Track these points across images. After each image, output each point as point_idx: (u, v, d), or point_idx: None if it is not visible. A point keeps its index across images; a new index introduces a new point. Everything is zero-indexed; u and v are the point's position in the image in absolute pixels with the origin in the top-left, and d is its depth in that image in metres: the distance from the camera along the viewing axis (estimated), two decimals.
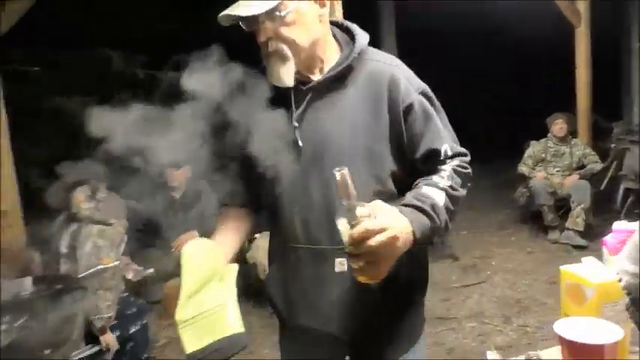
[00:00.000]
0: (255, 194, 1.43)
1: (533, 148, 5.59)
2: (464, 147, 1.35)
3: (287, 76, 1.26)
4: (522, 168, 5.55)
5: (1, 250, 3.72)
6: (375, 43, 1.36)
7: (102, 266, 1.77)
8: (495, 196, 6.73)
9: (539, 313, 3.72)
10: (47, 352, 1.23)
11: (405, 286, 1.34)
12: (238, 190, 1.47)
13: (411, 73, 1.34)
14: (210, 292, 1.19)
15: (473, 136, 7.15)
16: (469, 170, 1.31)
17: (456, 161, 1.28)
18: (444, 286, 4.36)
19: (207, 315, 1.17)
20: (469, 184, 1.31)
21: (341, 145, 1.27)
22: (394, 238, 1.04)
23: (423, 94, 1.32)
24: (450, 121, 1.36)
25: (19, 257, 3.82)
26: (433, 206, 1.16)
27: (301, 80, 1.30)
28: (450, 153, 1.28)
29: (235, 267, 1.27)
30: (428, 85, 1.36)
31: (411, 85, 1.30)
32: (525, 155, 5.60)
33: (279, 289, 1.43)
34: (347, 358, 1.44)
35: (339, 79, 1.30)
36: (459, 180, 1.26)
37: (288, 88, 1.28)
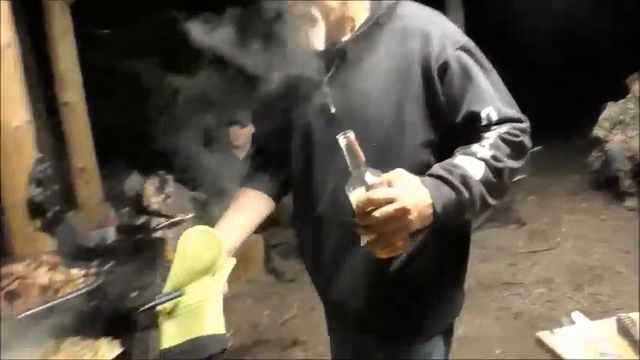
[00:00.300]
0: (279, 173, 1.39)
1: (611, 110, 5.26)
2: (530, 109, 1.20)
3: (317, 39, 1.20)
4: (598, 131, 5.24)
5: (80, 205, 3.94)
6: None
7: (178, 217, 1.83)
8: (566, 160, 6.42)
9: (614, 282, 3.56)
10: (133, 294, 1.27)
11: (437, 269, 1.25)
12: (258, 170, 1.44)
13: (450, 27, 1.21)
14: (199, 285, 1.10)
15: (541, 96, 6.90)
16: (522, 138, 1.13)
17: (504, 127, 1.11)
18: (510, 252, 4.25)
19: (188, 309, 1.07)
20: (523, 155, 1.13)
21: (371, 111, 1.19)
22: (404, 211, 0.94)
23: (464, 49, 1.17)
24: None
25: (96, 212, 4.05)
26: (463, 178, 1.03)
27: (332, 43, 1.23)
28: (494, 118, 1.12)
29: (232, 262, 1.17)
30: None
31: (447, 39, 1.17)
32: (601, 118, 5.27)
33: (310, 260, 1.40)
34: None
35: (368, 38, 1.21)
36: (506, 149, 1.09)
37: (319, 52, 1.21)
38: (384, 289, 1.24)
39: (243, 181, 1.44)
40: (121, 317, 1.14)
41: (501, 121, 1.12)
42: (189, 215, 1.86)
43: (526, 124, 1.16)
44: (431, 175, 1.04)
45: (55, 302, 1.20)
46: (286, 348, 3.22)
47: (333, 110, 1.22)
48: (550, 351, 1.48)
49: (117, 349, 1.08)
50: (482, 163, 1.06)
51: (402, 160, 1.13)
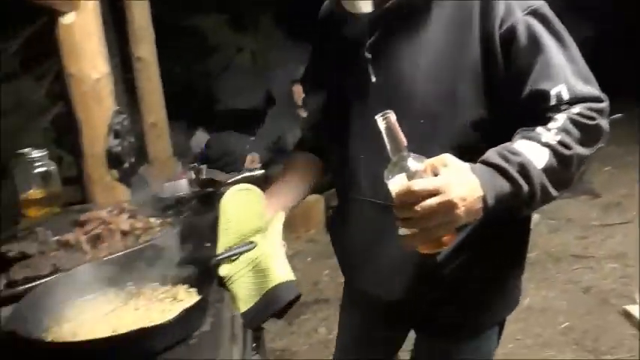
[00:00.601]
0: (325, 137, 1.29)
1: None
2: (607, 75, 1.05)
3: (364, 1, 1.08)
4: None
5: (151, 160, 4.08)
6: None
7: (248, 173, 1.85)
8: None
9: None
10: (207, 244, 1.30)
11: (489, 260, 1.14)
12: (309, 132, 1.37)
13: None
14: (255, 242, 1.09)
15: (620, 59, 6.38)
16: (598, 121, 0.95)
17: (577, 108, 0.95)
18: (581, 224, 4.06)
19: (253, 266, 1.06)
20: (597, 141, 0.97)
21: (417, 84, 1.06)
22: (449, 205, 0.81)
23: (535, 13, 0.99)
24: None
25: (166, 166, 4.19)
26: (522, 167, 0.88)
27: (379, 5, 1.09)
28: (566, 97, 0.95)
29: (281, 215, 1.14)
30: None
31: (514, 1, 1.00)
32: None
33: (340, 246, 1.33)
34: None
35: (419, 1, 1.06)
36: (576, 134, 0.93)
37: (364, 14, 1.09)
38: (426, 282, 1.14)
39: (297, 144, 1.42)
40: (197, 266, 1.16)
41: (574, 101, 0.96)
42: (259, 171, 1.87)
43: (604, 104, 0.98)
44: (484, 163, 0.90)
45: (137, 247, 1.24)
46: None
47: (373, 79, 1.11)
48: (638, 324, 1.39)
49: (195, 296, 1.10)
50: (547, 150, 0.91)
51: (450, 142, 1.02)
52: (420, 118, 1.05)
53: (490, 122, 1.04)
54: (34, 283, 1.17)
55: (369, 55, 1.11)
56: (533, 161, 0.89)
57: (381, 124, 0.89)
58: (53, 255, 1.27)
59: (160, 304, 1.07)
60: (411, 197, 0.81)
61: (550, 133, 0.93)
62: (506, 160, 0.89)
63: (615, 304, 3.01)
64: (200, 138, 6.29)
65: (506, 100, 1.01)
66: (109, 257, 1.23)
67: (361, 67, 1.12)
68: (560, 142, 0.92)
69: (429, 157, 0.88)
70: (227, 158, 4.02)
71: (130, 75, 3.97)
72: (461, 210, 0.82)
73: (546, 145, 0.91)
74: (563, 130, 0.93)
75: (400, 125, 0.88)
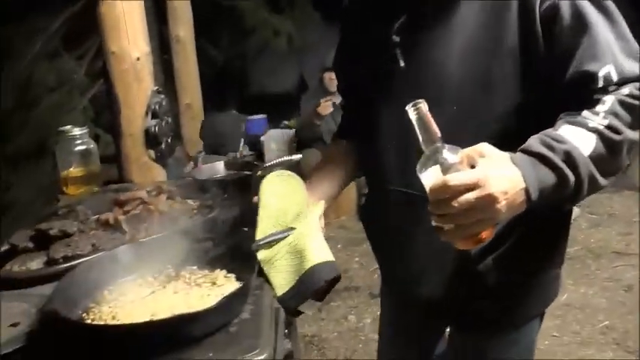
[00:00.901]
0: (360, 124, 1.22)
1: None
2: None
3: None
4: None
5: (185, 141, 4.10)
6: None
7: (287, 157, 1.81)
8: None
9: None
10: (245, 229, 1.27)
11: (524, 252, 1.07)
12: (346, 120, 1.33)
13: None
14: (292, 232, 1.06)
15: None
16: None
17: (627, 89, 0.87)
18: (624, 220, 3.93)
19: (289, 250, 1.04)
20: None
21: (450, 67, 0.99)
22: (489, 199, 0.75)
23: None
24: None
25: (200, 146, 4.20)
26: (568, 156, 0.81)
27: None
28: (615, 78, 0.88)
29: (321, 204, 1.10)
30: None
31: None
32: None
33: (373, 236, 1.28)
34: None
35: None
36: (626, 117, 0.86)
37: None
38: (462, 275, 1.08)
39: (336, 132, 1.37)
40: (236, 251, 1.13)
41: (623, 82, 0.88)
42: (297, 156, 1.83)
43: None
44: (525, 152, 0.83)
45: (177, 230, 1.22)
46: (375, 296, 3.20)
47: (402, 64, 1.04)
48: None
49: (234, 282, 1.08)
50: (594, 135, 0.84)
51: (486, 130, 0.95)
52: (453, 105, 0.99)
53: (530, 108, 0.96)
54: (74, 262, 1.17)
55: (396, 39, 1.04)
56: (579, 149, 0.82)
57: (412, 114, 0.83)
58: (93, 234, 1.26)
59: (198, 289, 1.05)
60: (448, 192, 0.76)
61: (597, 116, 0.85)
62: (551, 148, 0.82)
63: None
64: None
65: (547, 83, 0.94)
66: (149, 239, 1.21)
67: (389, 51, 1.06)
68: (609, 127, 0.84)
69: (463, 147, 0.82)
70: (220, 139, 3.95)
71: (167, 56, 3.99)
72: (502, 204, 0.76)
73: (593, 130, 0.84)
74: (611, 113, 0.85)
75: (431, 114, 0.83)
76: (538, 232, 1.06)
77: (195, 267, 1.15)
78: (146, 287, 1.07)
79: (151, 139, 2.19)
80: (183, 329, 0.86)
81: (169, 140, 2.31)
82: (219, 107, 4.98)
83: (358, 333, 2.82)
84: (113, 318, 0.95)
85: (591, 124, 0.85)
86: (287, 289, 1.02)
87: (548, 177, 0.81)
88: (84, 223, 1.31)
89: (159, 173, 2.31)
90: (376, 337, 2.81)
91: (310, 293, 1.00)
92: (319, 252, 1.02)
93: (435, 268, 1.11)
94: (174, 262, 1.15)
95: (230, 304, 0.93)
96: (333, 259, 1.03)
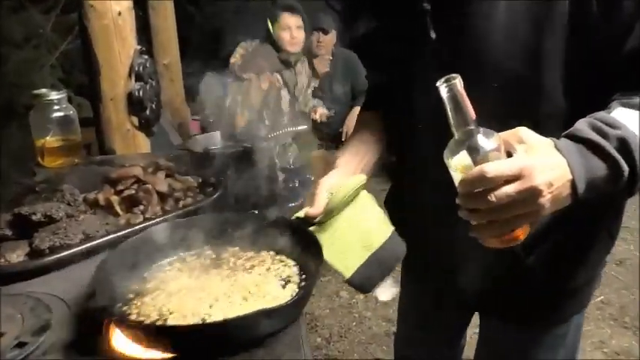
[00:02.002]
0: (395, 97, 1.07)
1: None
2: None
3: None
4: None
5: (164, 104, 3.84)
6: None
7: (292, 128, 1.67)
8: None
9: None
10: (255, 211, 1.12)
11: (571, 250, 0.97)
12: (374, 92, 1.18)
13: None
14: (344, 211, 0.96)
15: None
16: None
17: None
18: None
19: (349, 225, 0.95)
20: None
21: (490, 38, 0.85)
22: (533, 193, 0.66)
23: None
24: None
25: (179, 112, 3.96)
26: (623, 142, 0.70)
27: None
28: None
29: (362, 177, 0.99)
30: None
31: None
32: None
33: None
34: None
35: None
36: None
37: None
38: (506, 269, 0.97)
39: (364, 104, 1.20)
40: (278, 227, 1.00)
41: None
42: (302, 126, 1.69)
43: None
44: (573, 137, 0.72)
45: (191, 209, 1.07)
46: None
47: (433, 36, 0.90)
48: None
49: (290, 264, 0.96)
50: None
51: (531, 110, 0.84)
52: (493, 82, 0.85)
53: (582, 86, 0.83)
54: (63, 253, 0.99)
55: (427, 7, 0.90)
56: (636, 134, 0.71)
57: (444, 91, 0.72)
58: (83, 219, 1.08)
59: (248, 275, 0.92)
60: (484, 184, 0.66)
61: None
62: (602, 133, 0.71)
63: None
64: (209, 83, 6.03)
65: (601, 59, 0.81)
66: (187, 219, 1.06)
67: (419, 21, 0.91)
68: None
69: (503, 130, 0.71)
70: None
71: (143, 13, 3.69)
72: (545, 199, 0.67)
73: None
74: None
75: (466, 92, 0.71)
76: (590, 226, 0.96)
77: (237, 248, 1.00)
78: (187, 272, 0.94)
79: (135, 104, 1.98)
80: (259, 326, 0.75)
81: (154, 106, 2.10)
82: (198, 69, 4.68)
83: (352, 310, 2.72)
84: (160, 311, 0.81)
85: None
86: (356, 268, 0.91)
87: (599, 167, 0.70)
88: (71, 206, 1.12)
89: (143, 142, 2.11)
90: (369, 314, 2.75)
91: (389, 269, 0.92)
92: (384, 225, 0.96)
93: (476, 258, 0.97)
94: (213, 243, 1.02)
95: (305, 295, 0.83)
96: (393, 229, 0.96)
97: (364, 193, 1.00)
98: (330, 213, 0.93)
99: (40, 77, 3.25)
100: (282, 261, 0.96)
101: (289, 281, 0.90)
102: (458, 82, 0.71)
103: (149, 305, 0.83)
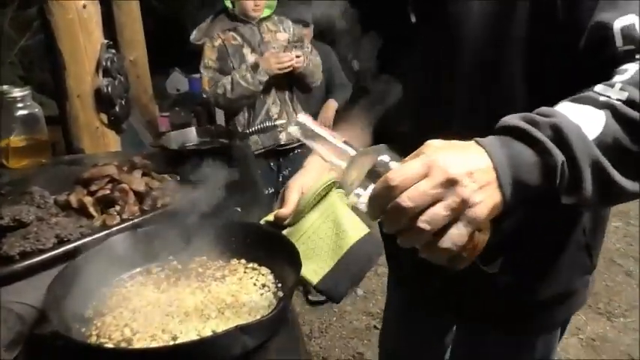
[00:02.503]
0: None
1: None
2: None
3: None
4: None
5: (133, 100, 3.73)
6: None
7: (272, 122, 1.61)
8: None
9: None
10: (238, 209, 1.08)
11: (555, 251, 0.94)
12: (359, 87, 1.12)
13: None
14: (316, 209, 0.91)
15: None
16: None
17: None
18: None
19: (314, 230, 0.89)
20: None
21: (466, 28, 0.83)
22: (449, 183, 0.56)
23: None
24: None
25: (147, 109, 3.86)
26: (556, 130, 0.59)
27: None
28: (638, 34, 0.67)
29: (332, 176, 0.93)
30: None
31: None
32: None
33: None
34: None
35: None
36: None
37: None
38: (474, 275, 0.85)
39: (349, 99, 1.16)
40: (247, 234, 0.95)
41: None
42: (280, 121, 1.64)
43: None
44: (497, 130, 0.63)
45: (171, 212, 1.01)
46: None
47: (413, 20, 0.87)
48: None
49: (265, 272, 0.91)
50: (604, 113, 0.61)
51: (504, 98, 0.81)
52: (468, 69, 0.83)
53: (549, 80, 0.78)
54: (35, 259, 0.93)
55: None
56: (579, 126, 0.60)
57: (296, 132, 0.67)
58: (55, 222, 1.02)
59: (222, 286, 0.86)
60: (392, 194, 0.56)
61: (612, 89, 0.63)
62: (532, 122, 0.61)
63: (622, 264, 2.95)
64: (176, 79, 5.89)
65: (565, 48, 0.74)
66: (144, 228, 0.99)
67: (399, 6, 0.89)
68: (628, 102, 0.61)
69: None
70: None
71: (106, 8, 3.57)
72: (469, 189, 0.56)
73: (604, 105, 0.62)
74: (633, 83, 0.62)
75: (445, 78, 0.67)
76: (557, 239, 0.93)
77: (204, 257, 0.95)
78: (151, 285, 0.87)
79: (104, 101, 1.90)
80: (238, 342, 0.67)
81: (124, 102, 2.02)
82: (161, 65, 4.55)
83: (331, 305, 2.70)
84: (122, 331, 0.74)
85: (602, 99, 0.62)
86: (322, 275, 0.86)
87: (525, 154, 0.59)
88: (42, 209, 1.06)
89: (113, 140, 2.03)
90: (349, 308, 2.73)
91: (358, 276, 0.88)
92: (357, 226, 0.89)
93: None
94: (176, 253, 0.95)
95: (286, 305, 0.76)
96: (369, 230, 0.89)
97: (336, 192, 0.93)
98: (299, 214, 0.89)
99: None
100: (255, 269, 0.91)
101: (265, 289, 0.85)
102: (305, 119, 0.67)
103: (110, 325, 0.76)
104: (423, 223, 0.56)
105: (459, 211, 0.56)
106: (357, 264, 0.86)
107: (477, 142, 0.61)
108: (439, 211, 0.56)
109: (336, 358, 2.22)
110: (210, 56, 2.50)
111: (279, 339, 0.75)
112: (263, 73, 2.37)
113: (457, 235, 0.57)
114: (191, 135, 1.65)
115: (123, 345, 0.72)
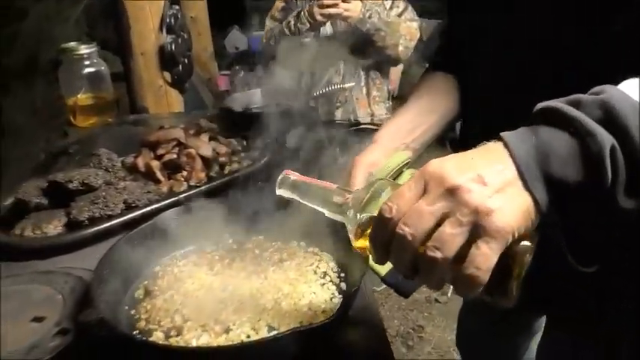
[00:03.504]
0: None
1: None
2: None
3: None
4: None
5: (194, 57, 3.71)
6: None
7: (337, 86, 1.53)
8: None
9: None
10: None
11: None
12: (443, 51, 0.98)
13: None
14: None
15: None
16: None
17: None
18: None
19: None
20: None
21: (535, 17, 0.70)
22: (452, 192, 0.45)
23: None
24: None
25: (206, 68, 3.83)
26: (606, 108, 0.45)
27: None
28: None
29: (406, 155, 0.82)
30: None
31: None
32: None
33: None
34: None
35: None
36: None
37: None
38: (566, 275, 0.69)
39: (430, 64, 1.03)
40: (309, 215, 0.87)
41: None
42: (349, 84, 1.55)
43: None
44: (532, 116, 0.49)
45: (238, 175, 0.95)
46: None
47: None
48: None
49: (326, 259, 0.83)
50: None
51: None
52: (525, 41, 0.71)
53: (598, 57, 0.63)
54: (104, 225, 0.90)
55: None
56: (631, 98, 0.46)
57: (282, 193, 0.63)
58: (123, 186, 0.98)
59: (280, 272, 0.79)
60: (393, 221, 0.46)
61: None
62: (572, 101, 0.47)
63: None
64: (235, 37, 5.84)
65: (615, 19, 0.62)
66: (207, 190, 0.95)
67: None
68: None
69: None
70: None
71: None
72: (480, 195, 0.44)
73: None
74: None
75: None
76: None
77: (261, 237, 0.88)
78: (205, 266, 0.81)
79: (167, 59, 1.86)
80: (296, 345, 0.60)
81: (187, 60, 1.98)
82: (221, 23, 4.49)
83: None
84: (172, 316, 0.70)
85: None
86: (391, 266, 0.77)
87: (558, 140, 0.46)
88: (109, 172, 1.03)
89: (176, 100, 2.01)
90: None
91: None
92: None
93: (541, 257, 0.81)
94: (233, 231, 0.89)
95: (350, 302, 0.68)
96: None
97: (409, 173, 0.82)
98: None
99: (64, 32, 3.14)
100: (315, 254, 0.84)
101: (327, 279, 0.78)
102: (290, 175, 0.62)
103: (160, 309, 0.71)
104: (431, 250, 0.44)
105: (474, 225, 0.44)
106: None
107: (498, 137, 0.48)
108: (446, 229, 0.44)
109: (396, 330, 2.17)
110: (277, 6, 2.33)
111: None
112: (304, 20, 2.10)
113: (480, 255, 0.43)
114: (255, 97, 1.58)
115: (172, 333, 0.67)
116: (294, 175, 0.62)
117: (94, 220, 0.91)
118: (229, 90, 3.45)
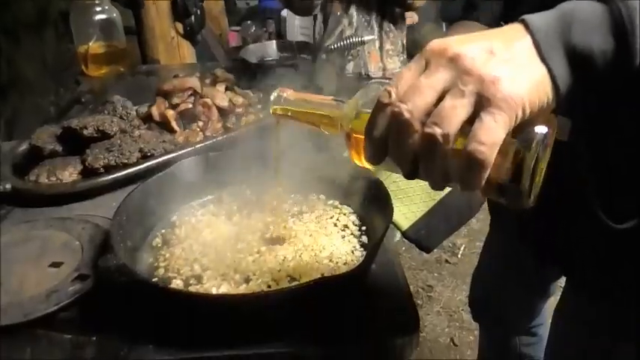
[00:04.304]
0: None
1: None
2: None
3: None
4: None
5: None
6: None
7: (355, 39, 1.48)
8: None
9: None
10: None
11: None
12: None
13: None
14: None
15: None
16: None
17: None
18: None
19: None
20: None
21: None
22: (455, 62, 0.40)
23: None
24: None
25: (216, 23, 3.75)
26: None
27: None
28: None
29: None
30: None
31: None
32: None
33: None
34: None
35: None
36: None
37: None
38: (596, 234, 0.69)
39: (463, 11, 0.98)
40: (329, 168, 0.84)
41: None
42: (369, 37, 1.49)
43: None
44: None
45: (254, 127, 0.92)
46: None
47: None
48: None
49: (347, 212, 0.81)
50: None
51: None
52: None
53: None
54: (119, 173, 0.89)
55: None
56: None
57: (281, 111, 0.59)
58: (138, 135, 0.96)
59: (300, 224, 0.78)
60: (392, 105, 0.41)
61: None
62: None
63: None
64: None
65: None
66: (223, 141, 0.92)
67: None
68: None
69: None
70: None
71: None
72: (484, 63, 0.39)
73: None
74: None
75: None
76: None
77: (280, 189, 0.86)
78: (223, 217, 0.80)
79: (180, 10, 1.81)
80: (318, 295, 0.59)
81: (199, 12, 1.92)
82: None
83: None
84: (193, 268, 0.68)
85: None
86: (415, 220, 0.78)
87: (583, 6, 0.41)
88: (124, 120, 1.00)
89: (188, 52, 1.96)
90: None
91: (457, 225, 0.79)
92: None
93: (570, 216, 0.73)
94: (253, 182, 0.86)
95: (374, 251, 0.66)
96: None
97: None
98: None
99: None
100: (336, 207, 0.81)
101: (347, 232, 0.76)
102: (286, 92, 0.58)
103: (179, 258, 0.70)
104: (429, 127, 0.39)
105: (477, 95, 0.39)
106: (457, 212, 0.77)
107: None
108: (446, 102, 0.39)
109: None
110: None
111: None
112: None
113: (483, 128, 0.38)
114: (271, 49, 1.54)
115: (192, 282, 0.66)
116: (288, 92, 0.59)
117: (109, 168, 0.89)
118: (241, 46, 3.37)
